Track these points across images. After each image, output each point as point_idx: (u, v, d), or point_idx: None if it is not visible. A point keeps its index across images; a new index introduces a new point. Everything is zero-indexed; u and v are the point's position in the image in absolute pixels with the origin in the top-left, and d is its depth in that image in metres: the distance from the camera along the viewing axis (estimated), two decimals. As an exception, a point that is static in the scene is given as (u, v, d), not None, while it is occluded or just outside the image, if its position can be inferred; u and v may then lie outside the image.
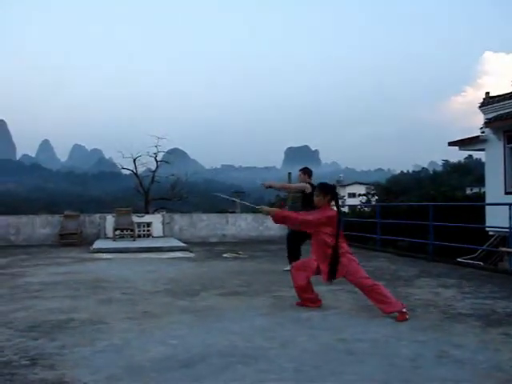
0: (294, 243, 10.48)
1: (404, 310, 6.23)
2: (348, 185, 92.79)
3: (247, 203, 9.20)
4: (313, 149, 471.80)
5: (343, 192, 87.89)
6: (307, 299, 6.92)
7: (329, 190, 6.88)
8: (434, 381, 4.15)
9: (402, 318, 6.11)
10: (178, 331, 5.65)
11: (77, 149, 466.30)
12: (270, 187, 10.88)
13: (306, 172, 10.55)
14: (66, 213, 18.50)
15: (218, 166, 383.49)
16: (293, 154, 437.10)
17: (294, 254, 10.43)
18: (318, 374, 4.28)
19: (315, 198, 6.85)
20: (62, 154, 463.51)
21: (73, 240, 17.13)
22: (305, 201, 10.14)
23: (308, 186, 10.14)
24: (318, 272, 6.71)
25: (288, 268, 10.34)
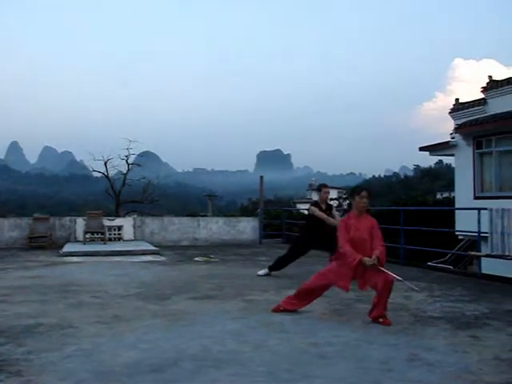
0: (295, 255, 10.32)
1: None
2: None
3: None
4: (285, 153, 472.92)
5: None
6: (295, 302, 6.80)
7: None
8: (405, 383, 4.18)
9: (387, 322, 6.16)
10: (150, 335, 5.60)
11: (47, 151, 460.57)
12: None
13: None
14: (35, 215, 18.27)
15: (190, 170, 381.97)
16: (265, 157, 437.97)
17: (284, 263, 10.33)
18: (290, 378, 4.27)
19: (366, 201, 6.54)
20: (32, 155, 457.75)
21: (42, 243, 16.90)
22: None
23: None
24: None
25: (262, 273, 10.34)
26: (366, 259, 6.21)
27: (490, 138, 19.11)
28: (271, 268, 10.39)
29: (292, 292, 7.06)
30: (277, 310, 6.82)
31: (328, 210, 10.10)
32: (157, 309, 7.07)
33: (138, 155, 44.38)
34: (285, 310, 6.76)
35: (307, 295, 6.73)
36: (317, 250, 10.77)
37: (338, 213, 10.39)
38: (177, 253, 15.37)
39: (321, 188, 10.22)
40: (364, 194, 6.52)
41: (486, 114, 19.29)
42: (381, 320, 6.17)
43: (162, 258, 13.85)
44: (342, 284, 6.45)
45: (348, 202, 46.47)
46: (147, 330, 5.83)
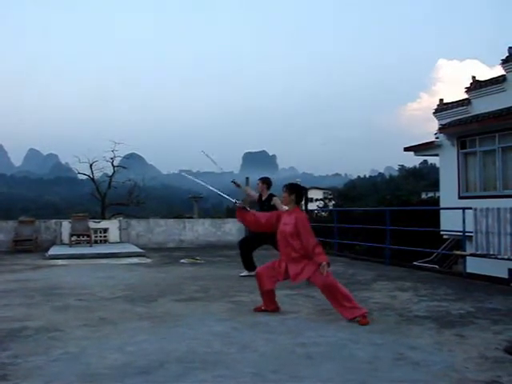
0: (246, 250, 10.49)
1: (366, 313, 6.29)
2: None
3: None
4: (270, 154, 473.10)
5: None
6: (269, 302, 6.88)
7: (294, 189, 6.81)
8: (391, 382, 4.21)
9: (364, 321, 6.16)
10: (136, 338, 5.59)
11: (32, 153, 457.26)
12: (239, 187, 10.87)
13: (265, 182, 10.57)
14: (20, 219, 18.14)
15: (176, 171, 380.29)
16: (251, 159, 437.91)
17: (247, 261, 10.44)
18: (277, 378, 4.28)
19: (282, 195, 6.85)
20: (17, 158, 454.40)
21: (28, 246, 16.81)
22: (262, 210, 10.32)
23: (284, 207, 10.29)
24: (286, 275, 6.65)
25: (244, 274, 10.38)
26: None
27: (473, 138, 19.27)
28: (246, 268, 10.52)
29: (280, 292, 7.10)
30: (258, 310, 6.90)
31: (268, 200, 10.37)
32: (143, 311, 7.05)
33: (124, 157, 44.20)
34: (266, 310, 6.83)
35: (262, 290, 6.80)
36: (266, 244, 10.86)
37: (285, 207, 10.67)
38: (163, 255, 15.34)
39: None
40: (283, 189, 6.85)
41: (469, 114, 19.45)
42: (358, 319, 6.19)
43: (148, 260, 13.82)
44: (264, 280, 6.73)
45: (333, 202, 46.62)
46: (133, 333, 5.81)
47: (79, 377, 4.33)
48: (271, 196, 10.48)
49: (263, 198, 10.54)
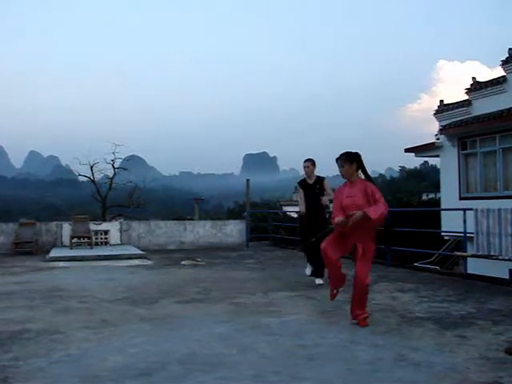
0: (315, 250, 8.57)
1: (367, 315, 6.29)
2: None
3: None
4: (271, 155, 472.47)
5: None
6: (336, 279, 6.61)
7: (352, 158, 6.40)
8: (392, 383, 4.20)
9: (363, 323, 6.16)
10: (137, 339, 5.59)
11: (33, 155, 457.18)
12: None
13: (314, 163, 9.86)
14: (21, 221, 18.11)
15: (177, 173, 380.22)
16: (251, 160, 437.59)
17: (319, 263, 8.62)
18: (278, 380, 4.28)
19: (341, 169, 6.42)
20: (17, 160, 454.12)
21: (28, 249, 16.79)
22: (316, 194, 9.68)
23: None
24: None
25: (319, 282, 9.21)
26: (337, 219, 6.20)
27: (474, 138, 19.28)
28: (316, 275, 9.32)
29: (281, 293, 7.09)
30: (334, 296, 6.67)
31: (318, 183, 9.70)
32: (144, 313, 7.05)
33: (124, 159, 44.18)
34: (336, 290, 6.61)
35: (330, 262, 6.53)
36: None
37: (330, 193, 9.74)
38: (164, 257, 15.33)
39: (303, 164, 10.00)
40: (338, 163, 6.46)
41: (470, 115, 19.45)
42: (356, 321, 6.19)
43: (149, 262, 13.81)
44: (330, 251, 6.38)
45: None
46: (134, 335, 5.81)
47: (80, 379, 4.33)
48: (320, 179, 9.77)
49: (310, 182, 9.74)
